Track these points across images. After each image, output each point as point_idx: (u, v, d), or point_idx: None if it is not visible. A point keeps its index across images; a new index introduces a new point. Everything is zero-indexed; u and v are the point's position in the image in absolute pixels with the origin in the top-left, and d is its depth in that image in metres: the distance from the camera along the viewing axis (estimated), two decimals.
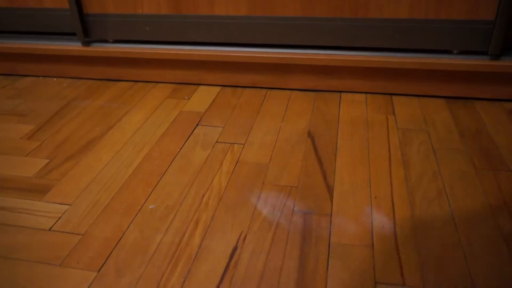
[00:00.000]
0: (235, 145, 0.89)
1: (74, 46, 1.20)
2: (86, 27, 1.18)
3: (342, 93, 1.09)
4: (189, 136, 0.93)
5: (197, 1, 1.07)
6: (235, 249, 0.64)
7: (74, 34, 1.20)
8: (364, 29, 1.01)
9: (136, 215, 0.71)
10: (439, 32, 0.98)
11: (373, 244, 0.64)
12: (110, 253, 0.64)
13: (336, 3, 1.00)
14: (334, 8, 1.01)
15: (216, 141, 0.90)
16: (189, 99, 1.09)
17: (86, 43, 1.20)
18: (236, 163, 0.83)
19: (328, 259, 0.62)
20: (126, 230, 0.68)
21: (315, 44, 1.06)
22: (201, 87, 1.16)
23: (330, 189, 0.75)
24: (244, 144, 0.89)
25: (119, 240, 0.66)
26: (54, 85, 1.23)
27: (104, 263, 0.63)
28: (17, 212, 0.73)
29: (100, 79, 1.24)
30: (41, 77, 1.28)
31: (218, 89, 1.14)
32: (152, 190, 0.77)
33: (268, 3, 1.03)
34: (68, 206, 0.74)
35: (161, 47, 1.15)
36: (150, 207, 0.73)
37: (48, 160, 0.87)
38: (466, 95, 1.03)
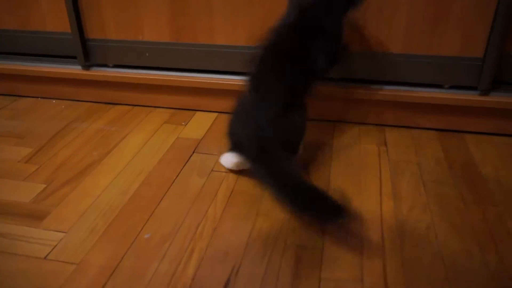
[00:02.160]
0: (230, 174, 0.91)
1: (74, 69, 1.22)
2: (87, 51, 1.20)
3: (335, 122, 1.11)
4: (185, 163, 0.95)
5: (197, 30, 1.10)
6: (228, 280, 0.65)
7: (74, 57, 1.22)
8: (359, 62, 1.04)
9: (132, 243, 0.73)
10: (431, 67, 1.01)
11: (362, 279, 0.65)
12: (106, 282, 0.65)
13: None
14: None
15: (212, 170, 0.92)
16: (186, 125, 1.11)
17: (86, 67, 1.22)
18: (231, 193, 0.85)
19: None
20: (122, 258, 0.69)
21: None
22: (198, 113, 1.18)
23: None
24: (239, 174, 0.91)
25: (115, 268, 0.67)
26: (53, 106, 1.25)
27: None
28: (13, 239, 0.74)
29: (99, 102, 1.26)
30: (40, 98, 1.30)
31: (215, 115, 1.17)
32: (149, 218, 0.78)
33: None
34: (64, 233, 0.75)
35: (160, 73, 1.17)
36: (146, 236, 0.74)
37: (46, 185, 0.88)
38: (457, 128, 1.06)
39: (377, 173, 0.91)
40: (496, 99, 0.99)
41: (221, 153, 0.93)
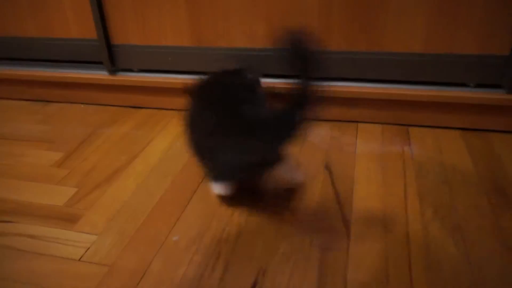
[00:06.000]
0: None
1: (100, 75, 1.26)
2: (113, 57, 1.24)
3: (359, 123, 1.11)
4: None
5: (218, 34, 1.12)
6: (255, 283, 0.67)
7: (101, 63, 1.25)
8: (381, 62, 1.04)
9: (161, 246, 0.75)
10: (454, 65, 1.00)
11: (388, 280, 0.66)
12: (137, 286, 0.68)
13: (353, 36, 1.03)
14: (351, 42, 1.04)
15: None
16: None
17: (112, 72, 1.25)
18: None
19: None
20: (151, 262, 0.72)
21: (333, 76, 1.09)
22: None
23: (347, 224, 0.78)
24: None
25: (145, 272, 0.70)
26: (81, 111, 1.29)
27: None
28: (48, 241, 0.78)
29: (125, 106, 1.30)
30: (68, 103, 1.34)
31: None
32: (176, 221, 0.81)
33: None
34: (96, 236, 0.78)
35: (183, 77, 1.19)
36: (174, 238, 0.77)
37: (77, 189, 0.92)
38: (481, 127, 1.05)
39: (401, 173, 0.91)
40: None
41: None
